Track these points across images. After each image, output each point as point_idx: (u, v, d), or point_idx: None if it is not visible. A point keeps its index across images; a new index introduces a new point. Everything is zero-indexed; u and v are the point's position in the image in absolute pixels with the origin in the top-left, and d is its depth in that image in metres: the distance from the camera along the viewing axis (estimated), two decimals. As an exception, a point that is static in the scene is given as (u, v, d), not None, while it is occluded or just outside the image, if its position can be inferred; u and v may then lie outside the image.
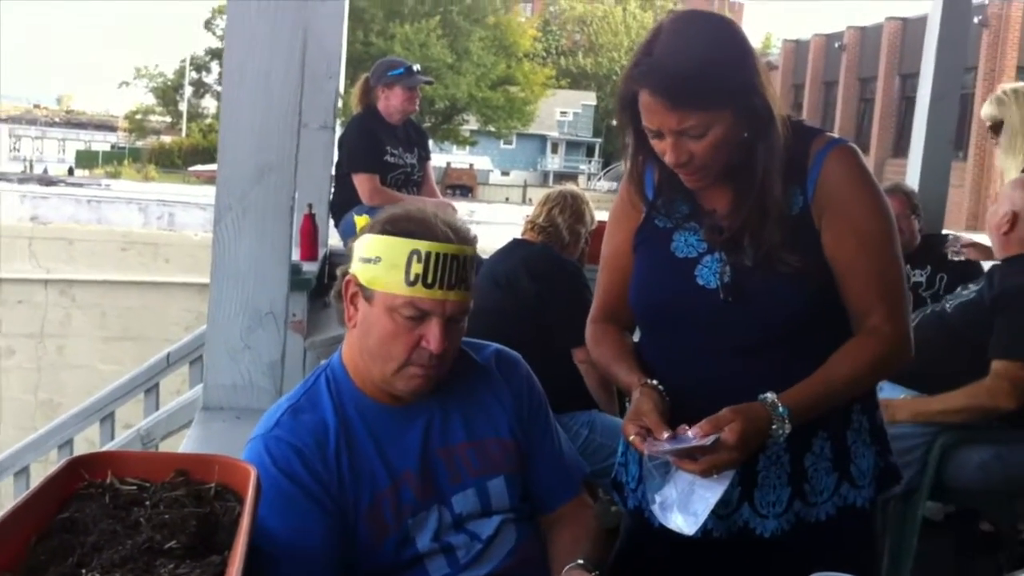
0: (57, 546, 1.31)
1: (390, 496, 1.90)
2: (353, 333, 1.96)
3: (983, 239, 4.53)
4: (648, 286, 2.08)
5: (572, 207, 3.96)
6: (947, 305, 3.45)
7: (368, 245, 1.90)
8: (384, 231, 1.89)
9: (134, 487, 1.48)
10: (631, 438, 1.88)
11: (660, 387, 1.96)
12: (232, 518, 1.42)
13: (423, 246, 1.84)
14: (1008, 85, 4.57)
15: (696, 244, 2.01)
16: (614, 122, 2.15)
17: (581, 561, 1.88)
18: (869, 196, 1.97)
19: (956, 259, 4.45)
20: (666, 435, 1.83)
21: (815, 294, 1.93)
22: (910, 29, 27.61)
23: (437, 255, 1.85)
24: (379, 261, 1.87)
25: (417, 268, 1.84)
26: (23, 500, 1.35)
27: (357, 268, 1.92)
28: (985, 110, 4.56)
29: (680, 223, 2.04)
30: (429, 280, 1.84)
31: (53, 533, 1.34)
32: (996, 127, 4.51)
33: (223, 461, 1.56)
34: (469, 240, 1.92)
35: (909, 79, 26.16)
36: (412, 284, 1.84)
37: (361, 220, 1.91)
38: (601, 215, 2.31)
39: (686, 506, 1.87)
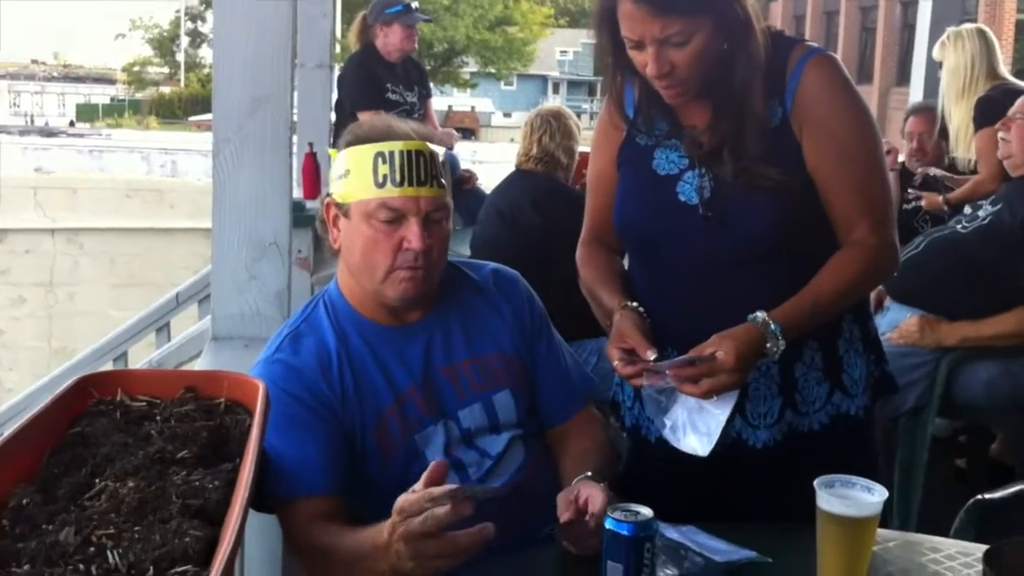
0: (70, 459, 1.32)
1: (395, 412, 1.91)
2: (341, 257, 1.97)
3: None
4: (630, 204, 2.07)
5: (559, 128, 3.91)
6: (959, 227, 3.44)
7: (338, 162, 1.93)
8: (349, 144, 1.91)
9: (144, 403, 1.49)
10: (614, 363, 1.88)
11: (640, 309, 1.96)
12: (242, 430, 1.43)
13: (386, 146, 1.85)
14: (954, 28, 4.64)
15: (677, 160, 2.00)
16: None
17: (590, 473, 1.87)
18: (850, 105, 1.95)
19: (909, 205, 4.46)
20: (650, 354, 1.83)
21: (797, 207, 1.91)
22: (912, -44, 27.26)
23: (402, 152, 1.85)
24: (348, 174, 1.89)
25: (384, 169, 1.85)
26: (32, 416, 1.36)
27: (333, 189, 1.94)
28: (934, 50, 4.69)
29: (660, 140, 2.03)
30: (398, 178, 1.85)
31: (65, 447, 1.36)
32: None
33: (231, 377, 1.57)
34: (434, 139, 1.92)
35: (910, 6, 25.79)
36: (381, 185, 1.85)
37: (333, 152, 1.94)
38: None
39: (697, 426, 1.88)
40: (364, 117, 5.28)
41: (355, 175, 1.88)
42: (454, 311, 2.02)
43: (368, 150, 1.86)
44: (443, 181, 1.90)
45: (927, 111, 4.67)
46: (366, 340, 1.95)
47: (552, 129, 3.91)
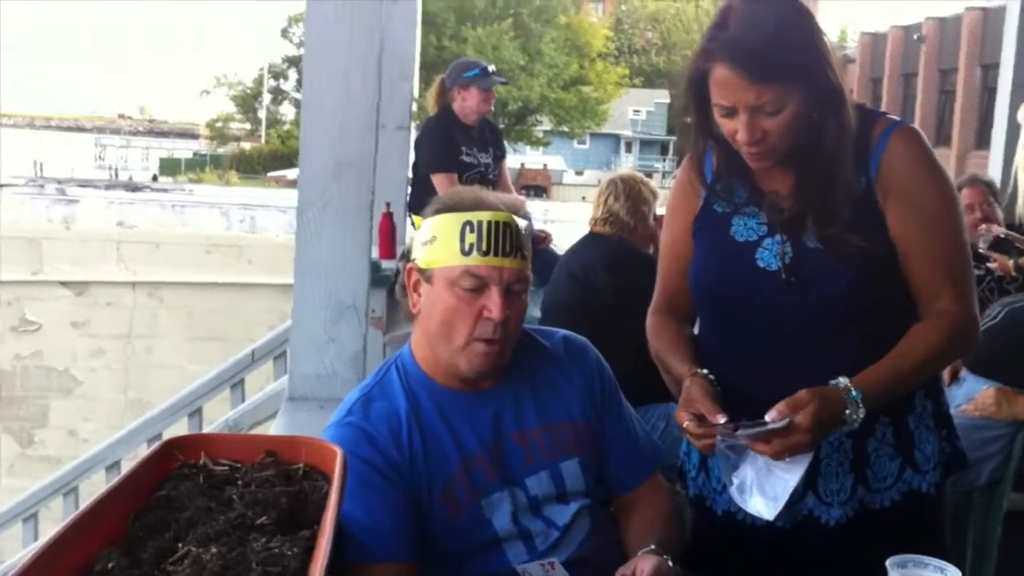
0: (154, 522, 1.36)
1: (462, 477, 1.93)
2: (418, 322, 2.00)
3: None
4: (708, 270, 2.08)
5: (626, 191, 3.95)
6: (1040, 298, 3.40)
7: (424, 229, 1.97)
8: (437, 211, 1.95)
9: (226, 467, 1.53)
10: (684, 424, 1.89)
11: (711, 376, 1.97)
12: (320, 496, 1.46)
13: (474, 216, 1.89)
14: None
15: (756, 228, 2.02)
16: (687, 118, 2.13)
17: (654, 546, 1.88)
18: (934, 176, 1.96)
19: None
20: (721, 419, 1.83)
21: (878, 275, 1.93)
22: (991, 18, 26.96)
23: (489, 223, 1.89)
24: (435, 240, 1.93)
25: (471, 238, 1.89)
26: (122, 479, 1.41)
27: (416, 254, 1.97)
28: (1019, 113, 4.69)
29: (739, 207, 2.05)
30: (484, 248, 1.88)
31: (150, 510, 1.40)
32: None
33: (310, 443, 1.60)
34: (520, 212, 1.96)
35: (991, 69, 25.54)
36: (467, 254, 1.89)
37: (418, 220, 1.99)
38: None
39: (764, 489, 1.87)
40: (437, 180, 5.36)
41: (441, 242, 1.92)
42: (526, 379, 2.04)
43: (456, 219, 1.91)
44: (526, 254, 1.95)
45: (979, 182, 4.65)
46: (437, 404, 1.97)
47: (618, 191, 3.95)
